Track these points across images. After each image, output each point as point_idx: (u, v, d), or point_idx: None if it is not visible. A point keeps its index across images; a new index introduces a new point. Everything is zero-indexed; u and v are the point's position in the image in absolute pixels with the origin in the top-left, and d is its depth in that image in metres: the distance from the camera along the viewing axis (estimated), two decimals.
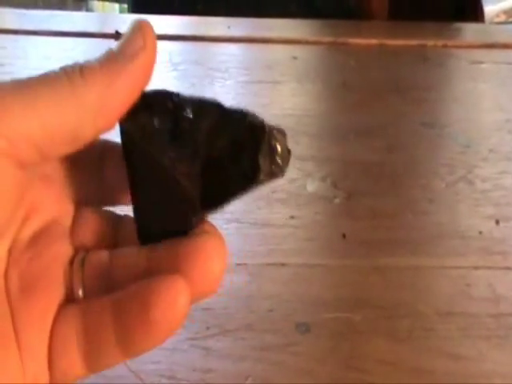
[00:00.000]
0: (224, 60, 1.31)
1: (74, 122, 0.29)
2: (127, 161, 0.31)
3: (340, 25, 1.54)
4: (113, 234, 0.34)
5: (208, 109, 0.32)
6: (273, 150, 0.31)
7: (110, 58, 0.30)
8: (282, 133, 0.32)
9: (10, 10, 1.76)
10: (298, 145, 0.94)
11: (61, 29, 1.43)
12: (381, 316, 0.62)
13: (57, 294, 0.32)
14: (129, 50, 0.30)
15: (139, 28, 0.31)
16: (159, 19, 1.55)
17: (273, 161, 0.32)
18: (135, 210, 0.32)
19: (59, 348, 0.31)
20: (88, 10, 3.36)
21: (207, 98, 0.32)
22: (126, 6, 2.73)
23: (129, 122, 0.31)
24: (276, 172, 0.32)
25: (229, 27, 1.46)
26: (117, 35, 1.36)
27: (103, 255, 0.33)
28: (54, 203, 0.34)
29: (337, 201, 0.81)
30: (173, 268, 0.30)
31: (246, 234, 0.73)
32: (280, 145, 0.32)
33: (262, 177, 0.31)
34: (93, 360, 0.31)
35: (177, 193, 0.31)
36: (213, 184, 0.31)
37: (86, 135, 0.30)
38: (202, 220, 0.32)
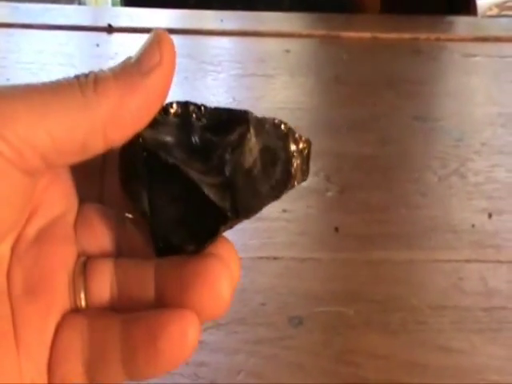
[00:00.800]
0: (216, 53, 1.31)
1: (83, 135, 0.29)
2: (146, 174, 0.31)
3: (332, 18, 1.54)
4: (115, 234, 0.33)
5: (236, 120, 0.31)
6: (304, 158, 0.32)
7: (125, 71, 0.30)
8: (309, 141, 0.33)
9: (3, 4, 1.75)
10: None
11: (54, 22, 1.42)
12: (373, 310, 0.62)
13: (61, 298, 0.32)
14: (144, 65, 0.30)
15: (157, 41, 0.30)
16: (151, 12, 1.55)
17: (303, 168, 0.33)
18: (152, 224, 0.32)
19: (61, 355, 0.31)
20: (81, 3, 3.35)
21: (235, 108, 0.32)
22: None
23: (149, 136, 0.31)
24: (305, 178, 0.33)
25: (221, 20, 1.46)
26: (109, 28, 1.36)
27: (108, 265, 0.32)
28: (60, 198, 0.33)
29: (329, 194, 0.81)
30: (180, 291, 0.30)
31: (238, 227, 0.73)
32: (309, 153, 0.33)
33: (295, 184, 0.32)
34: (95, 374, 0.31)
35: (204, 205, 0.30)
36: (243, 192, 0.31)
37: (95, 148, 0.30)
38: (231, 228, 0.32)
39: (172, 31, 1.39)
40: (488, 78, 1.25)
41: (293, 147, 0.32)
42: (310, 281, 0.66)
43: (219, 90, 1.11)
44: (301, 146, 0.33)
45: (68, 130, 0.28)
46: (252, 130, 0.31)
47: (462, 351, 0.58)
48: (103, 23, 1.38)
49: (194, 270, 0.30)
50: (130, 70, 0.30)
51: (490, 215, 0.77)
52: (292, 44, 1.35)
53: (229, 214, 0.31)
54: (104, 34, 1.35)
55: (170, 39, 0.31)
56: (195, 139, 0.31)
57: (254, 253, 0.69)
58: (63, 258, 0.32)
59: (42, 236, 0.32)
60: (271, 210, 0.78)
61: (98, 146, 0.30)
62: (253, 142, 0.31)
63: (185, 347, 0.29)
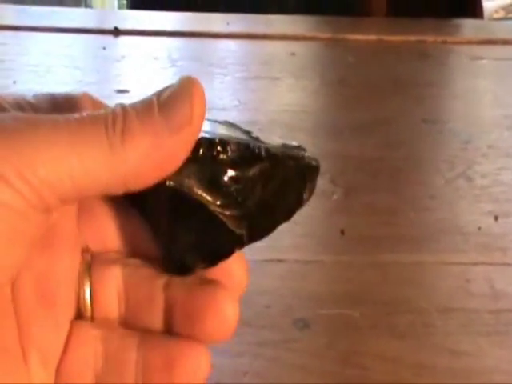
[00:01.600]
0: (222, 56, 1.31)
1: (105, 182, 0.28)
2: (167, 205, 0.31)
3: (338, 21, 1.54)
4: (119, 227, 0.33)
5: (257, 156, 0.32)
6: (314, 184, 0.33)
7: (154, 125, 0.29)
8: (319, 163, 0.34)
9: (10, 7, 1.76)
10: (296, 141, 0.93)
11: (60, 25, 1.42)
12: (380, 312, 0.62)
13: (69, 303, 0.32)
14: (174, 122, 0.29)
15: (189, 95, 0.29)
16: (158, 15, 1.55)
17: (311, 192, 0.33)
18: (168, 248, 0.32)
19: (73, 364, 0.31)
20: (87, 6, 3.36)
21: (253, 141, 0.32)
22: (124, 1, 2.73)
23: (174, 174, 0.31)
24: (312, 195, 0.33)
25: (227, 23, 1.46)
26: (116, 31, 1.36)
27: (115, 272, 0.32)
28: None
29: (335, 197, 0.81)
30: (189, 321, 0.31)
31: None
32: (318, 173, 0.34)
33: (305, 204, 0.33)
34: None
35: (221, 232, 0.31)
36: (260, 221, 0.32)
37: (114, 191, 0.29)
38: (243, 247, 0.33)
39: (178, 34, 1.39)
40: (495, 80, 1.25)
41: (307, 176, 0.33)
42: (315, 283, 0.66)
43: (225, 92, 1.11)
44: (314, 171, 0.33)
45: (90, 177, 0.28)
46: (271, 166, 0.32)
47: (469, 354, 0.58)
48: (109, 26, 1.39)
49: (202, 303, 0.31)
50: (159, 124, 0.29)
51: (496, 218, 0.77)
52: (297, 47, 1.35)
53: (245, 239, 0.32)
54: (110, 37, 1.35)
55: (202, 91, 0.30)
56: (217, 175, 0.31)
57: (259, 255, 0.69)
58: (68, 261, 0.32)
59: (46, 238, 0.31)
60: None
61: (117, 190, 0.29)
62: (272, 177, 0.32)
63: (197, 378, 0.31)
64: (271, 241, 0.71)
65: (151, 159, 0.29)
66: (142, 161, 0.28)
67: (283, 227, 0.72)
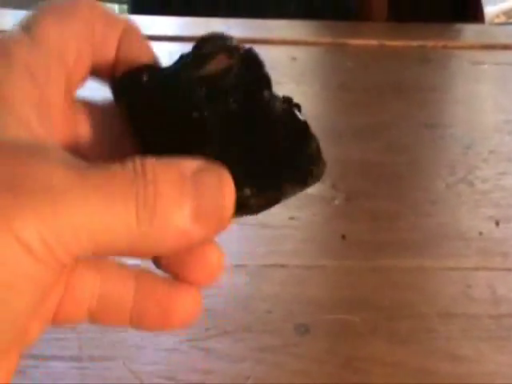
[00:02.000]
0: None
1: (121, 252, 0.29)
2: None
3: (339, 25, 1.54)
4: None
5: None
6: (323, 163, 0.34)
7: (184, 210, 0.29)
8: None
9: (11, 12, 1.75)
10: None
11: None
12: (381, 317, 0.62)
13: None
14: (204, 213, 0.29)
15: (222, 189, 0.29)
16: (158, 20, 1.55)
17: (321, 170, 0.34)
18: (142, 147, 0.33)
19: (69, 303, 0.32)
20: None
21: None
22: (125, 6, 2.73)
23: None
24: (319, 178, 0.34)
25: (228, 28, 1.46)
26: None
27: None
28: None
29: (336, 202, 0.81)
30: (178, 266, 0.33)
31: (245, 235, 0.73)
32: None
33: (310, 183, 0.33)
34: (101, 321, 0.33)
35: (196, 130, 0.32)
36: (267, 186, 0.32)
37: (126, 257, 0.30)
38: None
39: (179, 38, 1.39)
40: (496, 85, 1.25)
41: (320, 159, 0.34)
42: (316, 288, 0.66)
43: None
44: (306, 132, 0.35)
45: (110, 247, 0.28)
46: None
47: (470, 359, 0.58)
48: None
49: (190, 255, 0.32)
50: (190, 212, 0.29)
51: (497, 223, 0.77)
52: (298, 51, 1.35)
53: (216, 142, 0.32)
54: None
55: (233, 186, 0.30)
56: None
57: (261, 260, 0.69)
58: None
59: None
60: (278, 217, 0.78)
61: (131, 257, 0.30)
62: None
63: (190, 320, 0.33)
64: (272, 246, 0.71)
65: (175, 241, 0.29)
66: (166, 242, 0.29)
67: (285, 232, 0.71)
